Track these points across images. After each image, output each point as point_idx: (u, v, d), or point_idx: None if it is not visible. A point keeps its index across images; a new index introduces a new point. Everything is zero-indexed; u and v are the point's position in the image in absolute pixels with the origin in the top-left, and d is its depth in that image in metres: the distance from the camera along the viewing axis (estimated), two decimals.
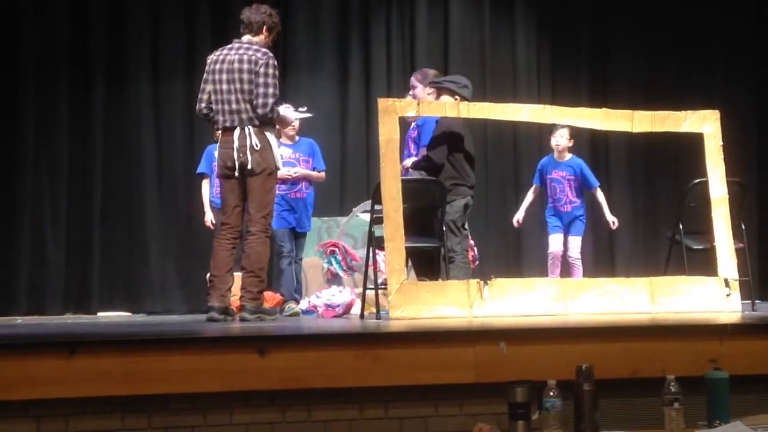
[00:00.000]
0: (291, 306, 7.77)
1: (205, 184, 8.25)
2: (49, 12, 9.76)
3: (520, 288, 6.42)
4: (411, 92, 7.35)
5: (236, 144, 6.45)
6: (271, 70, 6.49)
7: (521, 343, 4.31)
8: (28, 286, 9.47)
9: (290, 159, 8.00)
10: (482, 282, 6.30)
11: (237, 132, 6.46)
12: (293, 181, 8.00)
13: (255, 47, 6.56)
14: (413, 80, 7.35)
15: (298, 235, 8.14)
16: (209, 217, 8.13)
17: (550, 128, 8.58)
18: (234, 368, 4.03)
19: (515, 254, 10.28)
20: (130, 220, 9.83)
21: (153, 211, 9.80)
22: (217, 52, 6.66)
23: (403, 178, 6.55)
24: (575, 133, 8.59)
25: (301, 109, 7.54)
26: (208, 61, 6.66)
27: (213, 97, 6.58)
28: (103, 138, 9.83)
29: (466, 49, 10.44)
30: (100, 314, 9.40)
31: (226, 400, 4.05)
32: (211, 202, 8.17)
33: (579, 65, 10.58)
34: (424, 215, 6.92)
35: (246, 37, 6.66)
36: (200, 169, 8.33)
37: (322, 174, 8.32)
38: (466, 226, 7.09)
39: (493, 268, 8.81)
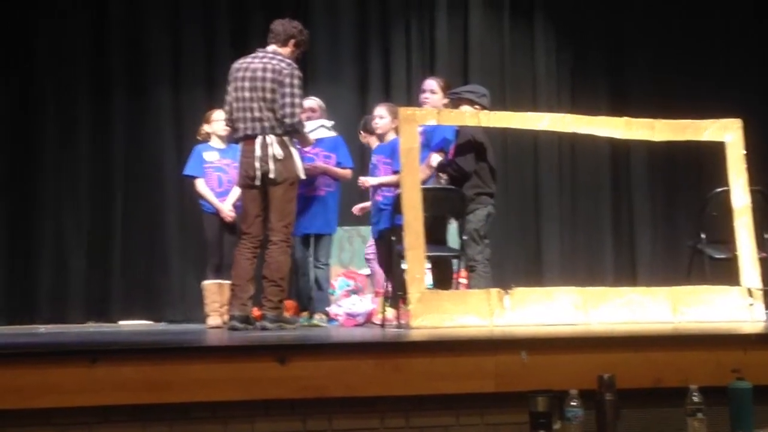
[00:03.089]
0: (312, 317, 7.54)
1: (201, 184, 7.83)
2: (69, 21, 9.85)
3: (540, 297, 6.39)
4: (426, 96, 7.21)
5: (258, 153, 6.45)
6: (296, 81, 6.50)
7: (542, 353, 4.29)
8: (50, 295, 9.53)
9: (309, 154, 7.53)
10: (503, 291, 6.28)
11: (259, 141, 6.47)
12: (309, 179, 7.28)
13: (279, 57, 6.57)
14: (435, 85, 7.24)
15: (318, 238, 7.70)
16: (228, 208, 7.69)
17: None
18: (254, 377, 4.03)
19: (535, 263, 10.26)
20: (150, 229, 9.87)
21: (173, 219, 9.84)
22: (241, 60, 6.67)
23: (424, 187, 6.54)
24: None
25: (326, 125, 7.56)
26: (232, 69, 6.67)
27: (234, 105, 6.60)
28: (124, 147, 9.89)
29: (485, 58, 10.43)
30: (121, 323, 9.43)
31: (247, 409, 4.05)
32: (201, 205, 7.90)
33: (598, 74, 10.56)
34: (440, 224, 6.94)
35: (271, 47, 6.67)
36: (190, 171, 7.92)
37: (347, 171, 7.81)
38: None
39: (513, 278, 8.79)
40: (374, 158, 7.69)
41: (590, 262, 10.27)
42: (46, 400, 3.84)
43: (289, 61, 6.58)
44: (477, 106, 6.96)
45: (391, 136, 7.57)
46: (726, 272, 6.93)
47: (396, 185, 7.08)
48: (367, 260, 8.13)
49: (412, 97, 9.31)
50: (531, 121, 7.10)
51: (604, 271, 10.20)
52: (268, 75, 6.50)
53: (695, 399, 3.95)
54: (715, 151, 7.05)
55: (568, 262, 10.19)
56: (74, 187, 9.77)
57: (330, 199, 7.74)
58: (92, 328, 8.67)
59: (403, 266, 6.36)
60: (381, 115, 7.62)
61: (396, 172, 7.15)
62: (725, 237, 7.02)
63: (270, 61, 6.55)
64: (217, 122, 7.78)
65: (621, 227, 10.51)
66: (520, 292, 6.34)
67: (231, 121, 6.72)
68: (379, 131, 7.67)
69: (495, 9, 10.54)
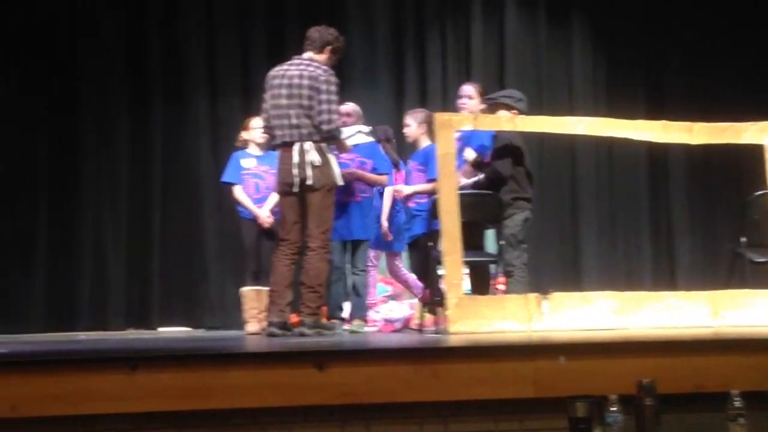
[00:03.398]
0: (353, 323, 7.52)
1: (238, 190, 7.90)
2: (108, 30, 9.94)
3: (578, 302, 6.36)
4: (463, 101, 7.27)
5: (296, 160, 6.47)
6: (333, 88, 6.51)
7: (581, 358, 4.27)
8: (90, 302, 9.62)
9: (344, 160, 7.40)
10: (541, 296, 6.26)
11: (296, 148, 6.49)
12: (345, 185, 7.10)
13: (316, 64, 6.58)
14: (472, 91, 7.28)
15: (355, 244, 7.62)
16: (265, 214, 7.76)
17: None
18: (293, 383, 4.03)
19: (573, 268, 10.21)
20: (188, 236, 9.93)
21: (211, 226, 9.89)
22: (277, 68, 6.69)
23: (460, 192, 6.53)
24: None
25: (364, 130, 7.57)
26: (268, 77, 6.69)
27: (272, 112, 6.62)
28: (162, 154, 9.98)
29: (521, 63, 10.42)
30: (160, 329, 9.49)
31: (286, 416, 4.06)
32: (239, 212, 7.97)
33: (636, 77, 10.51)
34: (477, 229, 6.94)
35: (308, 54, 6.69)
36: (228, 177, 8.00)
37: (383, 177, 7.77)
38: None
39: (551, 283, 8.75)
40: (408, 165, 7.71)
41: (629, 267, 10.22)
42: (88, 406, 3.87)
43: (325, 67, 6.59)
44: (514, 111, 6.94)
45: (424, 143, 7.61)
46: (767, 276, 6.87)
47: (430, 193, 7.16)
48: (368, 267, 8.02)
49: (448, 102, 9.31)
50: (567, 125, 7.07)
51: (643, 276, 10.13)
52: (305, 82, 6.51)
53: (736, 404, 3.92)
54: (755, 154, 6.99)
55: (607, 267, 10.14)
56: (113, 194, 9.87)
57: (366, 205, 7.69)
58: (132, 335, 8.73)
59: (440, 272, 6.36)
60: (407, 123, 7.71)
61: (430, 180, 7.21)
62: (766, 240, 6.96)
63: (306, 68, 6.57)
64: (254, 129, 7.82)
65: (659, 231, 10.43)
66: (558, 297, 6.31)
67: (268, 129, 6.74)
68: (408, 139, 7.75)
69: (530, 12, 10.52)
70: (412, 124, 7.68)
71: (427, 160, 7.38)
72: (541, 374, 4.17)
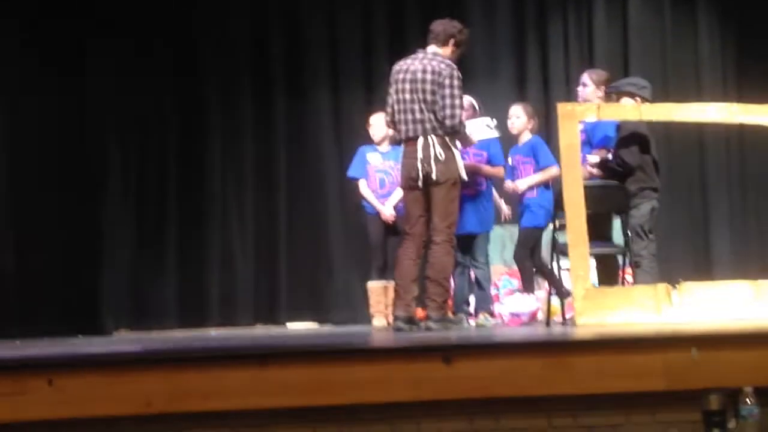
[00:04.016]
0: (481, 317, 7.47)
1: (363, 185, 8.00)
2: (231, 26, 10.15)
3: (710, 291, 6.23)
4: (578, 89, 7.25)
5: (420, 154, 6.48)
6: (456, 82, 6.49)
7: (714, 349, 4.16)
8: (220, 299, 9.80)
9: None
10: (670, 286, 6.14)
11: (421, 142, 6.49)
12: None
13: (439, 58, 6.58)
14: (586, 78, 7.20)
15: (473, 238, 7.52)
16: (389, 211, 7.83)
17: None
18: (420, 377, 4.03)
19: (704, 258, 9.99)
20: (314, 231, 10.05)
21: (336, 221, 9.99)
22: (401, 62, 6.72)
23: (586, 183, 6.45)
24: None
25: (490, 124, 7.53)
26: (392, 71, 6.72)
27: (396, 107, 6.64)
28: (286, 150, 10.12)
29: (645, 46, 10.23)
30: (288, 325, 9.61)
31: (413, 410, 4.06)
32: (364, 207, 8.07)
33: (766, 58, 10.18)
34: (603, 220, 6.85)
35: (431, 48, 6.69)
36: (353, 172, 8.10)
37: (499, 169, 7.68)
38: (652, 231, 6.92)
39: (681, 273, 8.57)
40: (511, 159, 7.66)
41: (762, 256, 9.92)
42: (219, 402, 3.93)
43: (448, 61, 6.58)
44: (638, 99, 6.82)
45: (526, 136, 7.64)
46: None
47: (545, 183, 7.36)
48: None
49: (570, 91, 9.21)
50: (695, 112, 6.91)
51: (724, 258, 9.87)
52: (428, 76, 6.52)
53: None
54: None
55: (739, 257, 9.89)
56: (240, 193, 10.05)
57: (483, 198, 7.63)
58: (261, 330, 8.86)
59: (566, 264, 6.30)
60: (517, 115, 7.68)
61: (541, 169, 7.43)
62: None
63: (430, 62, 6.57)
64: (373, 126, 7.90)
65: None
66: (688, 287, 6.19)
67: (393, 123, 6.76)
68: (514, 131, 7.72)
69: None
70: (522, 116, 7.66)
71: (534, 152, 7.50)
72: (672, 366, 4.08)
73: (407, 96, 6.56)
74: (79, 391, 3.85)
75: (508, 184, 7.62)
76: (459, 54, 6.82)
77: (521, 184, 7.52)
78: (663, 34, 10.32)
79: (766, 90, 9.54)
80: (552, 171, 7.47)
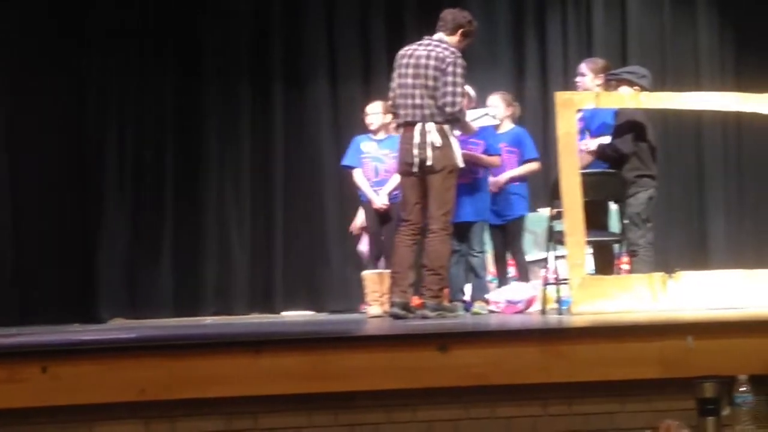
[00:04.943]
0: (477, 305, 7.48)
1: (358, 174, 8.00)
2: (231, 17, 10.14)
3: (705, 280, 6.22)
4: (576, 79, 7.26)
5: (416, 140, 6.46)
6: (459, 70, 6.47)
7: (709, 337, 4.16)
8: (216, 287, 9.80)
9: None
10: (666, 275, 6.14)
11: (418, 128, 6.48)
12: None
13: (444, 45, 6.56)
14: (584, 68, 7.19)
15: (469, 226, 7.47)
16: (381, 201, 7.83)
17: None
18: (415, 365, 4.03)
19: (700, 247, 10.00)
20: (310, 220, 10.05)
21: (333, 210, 9.99)
22: (407, 47, 6.71)
23: (582, 171, 6.44)
24: None
25: (490, 113, 7.53)
26: (397, 56, 6.70)
27: (398, 91, 6.62)
28: (284, 139, 10.12)
29: (644, 37, 10.23)
30: (283, 313, 9.61)
31: (409, 397, 4.06)
32: (360, 195, 8.06)
33: (765, 48, 10.16)
34: (600, 209, 6.85)
35: (438, 35, 6.67)
36: (348, 161, 8.09)
37: (495, 158, 7.66)
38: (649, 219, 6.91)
39: (677, 262, 8.57)
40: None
41: (758, 246, 9.91)
42: (213, 389, 3.93)
43: (453, 49, 6.56)
44: (636, 87, 6.81)
45: (507, 125, 7.80)
46: None
47: (524, 175, 7.73)
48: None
49: (569, 81, 9.19)
50: (693, 101, 6.90)
51: (728, 252, 9.87)
52: (431, 62, 6.50)
53: None
54: None
55: (735, 246, 9.90)
56: (236, 182, 10.05)
57: (479, 187, 7.59)
58: (256, 319, 8.86)
59: (562, 252, 6.30)
60: (495, 105, 7.75)
61: (528, 161, 7.79)
62: None
63: (435, 48, 6.55)
64: (368, 115, 7.93)
65: None
66: (684, 276, 6.18)
67: (393, 107, 6.75)
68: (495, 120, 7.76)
69: None
70: (500, 105, 7.77)
71: (519, 142, 7.67)
72: (667, 354, 4.08)
73: (409, 81, 6.55)
74: (73, 378, 3.85)
75: (491, 180, 7.67)
76: (466, 44, 6.79)
77: (502, 179, 7.72)
78: (662, 24, 10.31)
79: (765, 82, 9.55)
80: (533, 166, 7.87)
